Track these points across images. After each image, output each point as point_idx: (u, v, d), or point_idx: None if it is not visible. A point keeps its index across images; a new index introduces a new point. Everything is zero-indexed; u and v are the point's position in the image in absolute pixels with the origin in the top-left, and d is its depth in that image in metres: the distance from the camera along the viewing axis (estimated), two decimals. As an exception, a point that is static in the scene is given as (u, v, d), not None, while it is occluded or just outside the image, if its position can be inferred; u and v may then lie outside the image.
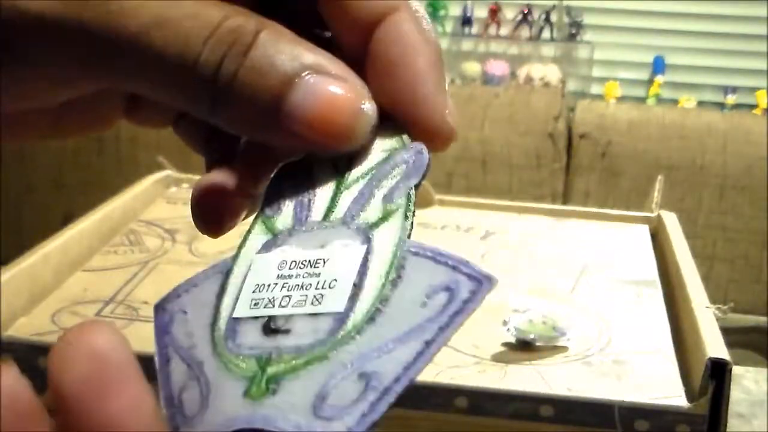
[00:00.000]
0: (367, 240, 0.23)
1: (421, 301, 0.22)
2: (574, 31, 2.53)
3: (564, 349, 0.47)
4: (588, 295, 0.55)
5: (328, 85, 0.23)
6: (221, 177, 0.27)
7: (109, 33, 0.23)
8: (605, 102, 2.35)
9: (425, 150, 0.25)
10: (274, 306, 0.23)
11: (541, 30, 2.54)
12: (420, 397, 0.44)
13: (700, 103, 2.50)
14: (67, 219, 0.60)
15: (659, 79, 2.51)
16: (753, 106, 2.44)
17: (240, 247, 0.25)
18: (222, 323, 0.23)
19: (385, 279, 0.22)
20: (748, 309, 1.83)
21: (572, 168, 2.08)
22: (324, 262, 0.23)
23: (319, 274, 0.23)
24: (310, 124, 0.23)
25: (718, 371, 0.42)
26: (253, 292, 0.23)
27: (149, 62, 0.23)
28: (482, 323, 0.50)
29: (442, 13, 2.55)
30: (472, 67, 2.51)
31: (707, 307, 0.49)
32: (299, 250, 0.24)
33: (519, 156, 2.07)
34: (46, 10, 0.23)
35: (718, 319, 0.47)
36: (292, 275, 0.23)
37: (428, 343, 0.22)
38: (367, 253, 0.23)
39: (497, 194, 1.96)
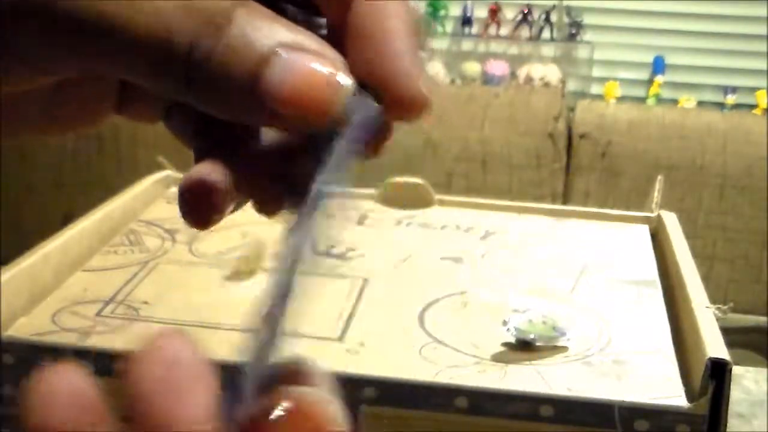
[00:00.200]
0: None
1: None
2: (574, 31, 2.53)
3: (564, 349, 0.47)
4: (588, 295, 0.55)
5: (303, 61, 0.23)
6: (208, 170, 0.27)
7: (81, 15, 0.23)
8: (605, 102, 2.35)
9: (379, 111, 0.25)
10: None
11: (541, 30, 2.54)
12: (420, 397, 0.44)
13: (700, 103, 2.50)
14: (67, 219, 0.60)
15: (659, 79, 2.51)
16: (753, 106, 2.44)
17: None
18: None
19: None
20: (748, 309, 1.83)
21: (572, 168, 2.08)
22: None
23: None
24: (287, 100, 0.23)
25: (718, 371, 0.42)
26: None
27: (123, 43, 0.23)
28: (482, 323, 0.50)
29: (442, 13, 2.55)
30: (472, 67, 2.51)
31: (707, 307, 0.49)
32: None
33: (519, 156, 2.07)
34: None
35: (718, 319, 0.47)
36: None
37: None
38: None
39: (497, 194, 1.96)
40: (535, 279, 0.57)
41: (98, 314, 0.50)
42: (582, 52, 2.57)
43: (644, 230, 0.67)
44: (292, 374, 0.21)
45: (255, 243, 0.55)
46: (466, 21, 2.56)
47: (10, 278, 0.49)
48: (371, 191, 0.68)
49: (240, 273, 0.55)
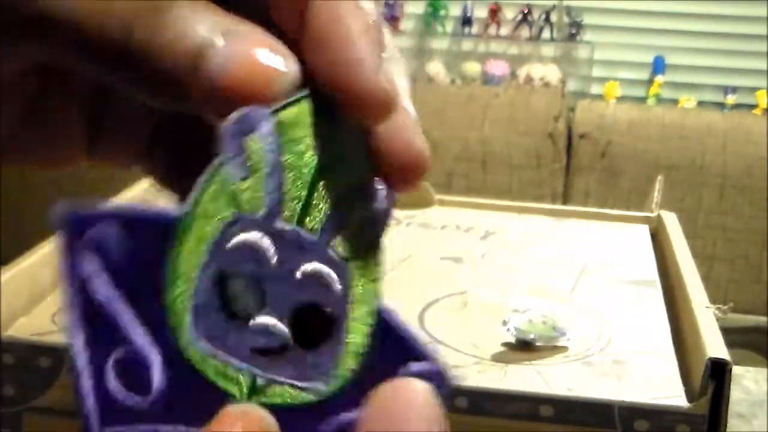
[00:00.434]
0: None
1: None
2: (574, 31, 2.53)
3: (564, 349, 0.47)
4: (588, 295, 0.55)
5: (244, 48, 0.23)
6: None
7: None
8: (605, 102, 2.35)
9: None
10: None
11: (541, 30, 2.54)
12: (420, 397, 0.44)
13: (700, 103, 2.50)
14: (67, 219, 0.59)
15: (659, 79, 2.51)
16: (753, 106, 2.45)
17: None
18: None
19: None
20: (748, 309, 1.83)
21: (572, 168, 2.08)
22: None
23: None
24: (227, 87, 0.22)
25: (718, 371, 0.42)
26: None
27: (58, 24, 0.22)
28: (482, 323, 0.50)
29: (442, 13, 2.55)
30: (472, 67, 2.52)
31: (707, 307, 0.49)
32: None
33: (519, 156, 2.07)
34: None
35: (718, 319, 0.47)
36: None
37: None
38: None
39: (497, 194, 1.96)
40: (535, 279, 0.57)
41: (98, 314, 0.50)
42: (582, 52, 2.57)
43: (644, 230, 0.67)
44: None
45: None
46: (466, 21, 2.56)
47: (10, 278, 0.49)
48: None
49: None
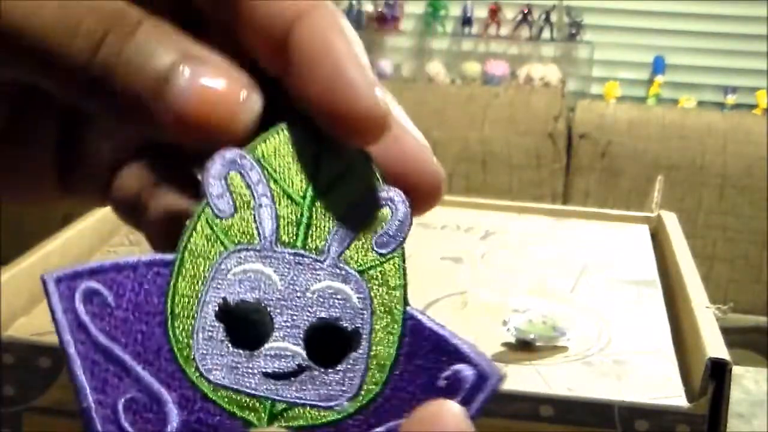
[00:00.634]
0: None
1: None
2: (574, 31, 2.53)
3: (564, 349, 0.47)
4: (588, 295, 0.55)
5: (205, 77, 0.23)
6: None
7: None
8: (605, 102, 2.35)
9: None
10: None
11: (541, 30, 2.54)
12: (420, 397, 0.44)
13: (700, 103, 2.50)
14: (67, 219, 0.60)
15: (659, 79, 2.51)
16: (753, 106, 2.45)
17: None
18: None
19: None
20: (748, 309, 1.83)
21: (572, 168, 2.08)
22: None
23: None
24: (188, 116, 0.22)
25: (718, 371, 0.42)
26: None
27: (23, 40, 0.22)
28: (482, 323, 0.50)
29: (442, 13, 2.55)
30: (472, 67, 2.52)
31: (707, 307, 0.49)
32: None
33: (519, 156, 2.07)
34: None
35: (718, 319, 0.47)
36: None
37: None
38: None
39: (497, 194, 1.96)
40: (535, 279, 0.57)
41: (98, 314, 0.50)
42: (582, 52, 2.57)
43: (644, 230, 0.67)
44: None
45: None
46: (466, 21, 2.56)
47: (10, 278, 0.49)
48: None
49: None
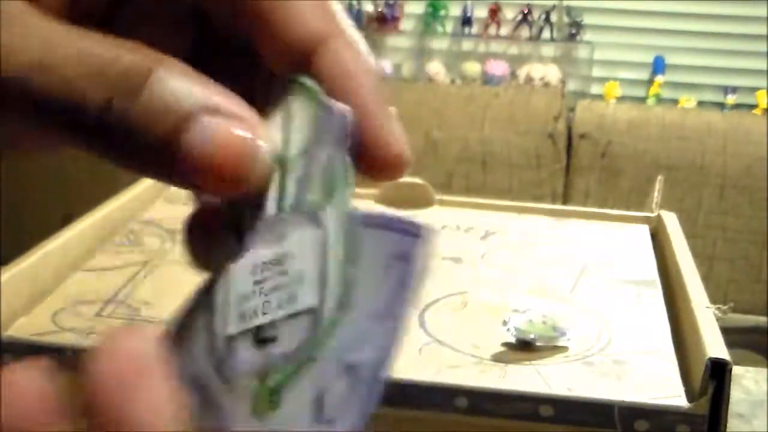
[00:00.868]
0: (318, 222, 0.23)
1: (381, 277, 0.21)
2: (574, 31, 2.53)
3: (564, 349, 0.47)
4: (588, 295, 0.55)
5: (223, 128, 0.22)
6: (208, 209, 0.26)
7: None
8: (605, 102, 2.35)
9: (340, 107, 0.23)
10: (258, 315, 0.22)
11: (541, 30, 2.54)
12: (420, 397, 0.44)
13: (700, 103, 2.50)
14: (67, 219, 0.60)
15: (659, 79, 2.51)
16: (753, 106, 2.44)
17: (217, 270, 0.24)
18: (219, 343, 0.23)
19: (344, 260, 0.22)
20: (748, 309, 1.83)
21: (572, 168, 2.08)
22: (288, 257, 0.23)
23: (287, 271, 0.22)
24: (205, 168, 0.22)
25: (718, 371, 0.42)
26: (238, 305, 0.23)
27: (31, 105, 0.22)
28: (482, 323, 0.50)
29: (442, 13, 2.55)
30: (472, 67, 2.52)
31: (707, 307, 0.49)
32: (265, 249, 0.23)
33: (519, 156, 2.07)
34: None
35: (718, 319, 0.47)
36: (266, 278, 0.23)
37: (400, 317, 0.21)
38: (324, 237, 0.22)
39: (497, 194, 1.96)
40: (535, 279, 0.57)
41: (98, 314, 0.50)
42: (582, 52, 2.57)
43: (644, 230, 0.67)
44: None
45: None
46: (466, 21, 2.56)
47: (10, 278, 0.49)
48: (371, 191, 0.68)
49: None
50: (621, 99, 2.46)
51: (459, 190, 1.96)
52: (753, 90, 2.45)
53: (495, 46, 2.57)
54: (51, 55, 0.22)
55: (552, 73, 2.47)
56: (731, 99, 2.48)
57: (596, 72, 2.57)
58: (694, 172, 2.01)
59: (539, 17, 2.53)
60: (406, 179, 0.69)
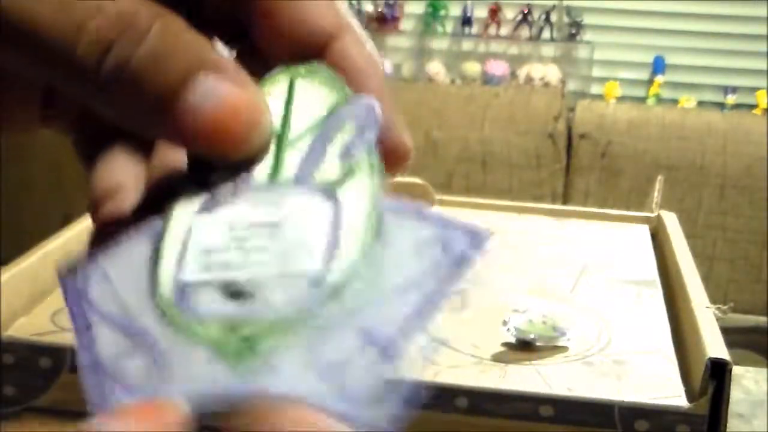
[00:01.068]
0: (332, 197, 0.22)
1: (412, 254, 0.21)
2: (574, 31, 2.53)
3: (564, 349, 0.47)
4: (588, 295, 0.55)
5: (228, 89, 0.21)
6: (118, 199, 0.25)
7: None
8: (605, 102, 2.35)
9: (374, 102, 0.23)
10: (231, 269, 0.21)
11: (541, 30, 2.54)
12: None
13: (700, 103, 2.50)
14: (67, 219, 0.60)
15: (659, 79, 2.51)
16: (753, 106, 2.44)
17: (170, 207, 0.23)
18: (165, 289, 0.22)
19: (366, 235, 0.21)
20: (748, 309, 1.83)
21: (572, 168, 2.08)
22: (284, 222, 0.22)
23: (283, 236, 0.22)
24: (206, 127, 0.21)
25: (718, 371, 0.42)
26: (202, 254, 0.22)
27: (23, 37, 0.20)
28: (482, 323, 0.50)
29: (442, 13, 2.55)
30: (472, 67, 2.52)
31: (707, 307, 0.49)
32: (250, 210, 0.22)
33: (519, 156, 2.07)
34: None
35: (718, 319, 0.47)
36: (248, 237, 0.22)
37: (428, 296, 0.20)
38: (337, 210, 0.22)
39: (497, 194, 1.96)
40: (535, 279, 0.57)
41: (98, 314, 0.50)
42: (582, 52, 2.57)
43: (644, 230, 0.67)
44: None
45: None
46: (466, 21, 2.56)
47: (10, 278, 0.49)
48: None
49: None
50: (621, 99, 2.46)
51: (459, 190, 1.96)
52: (753, 90, 2.45)
53: (495, 46, 2.57)
54: None
55: (552, 73, 2.47)
56: (731, 99, 2.48)
57: (596, 72, 2.57)
58: (694, 172, 2.01)
59: (539, 17, 2.53)
60: (406, 179, 0.69)
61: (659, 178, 0.72)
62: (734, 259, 2.01)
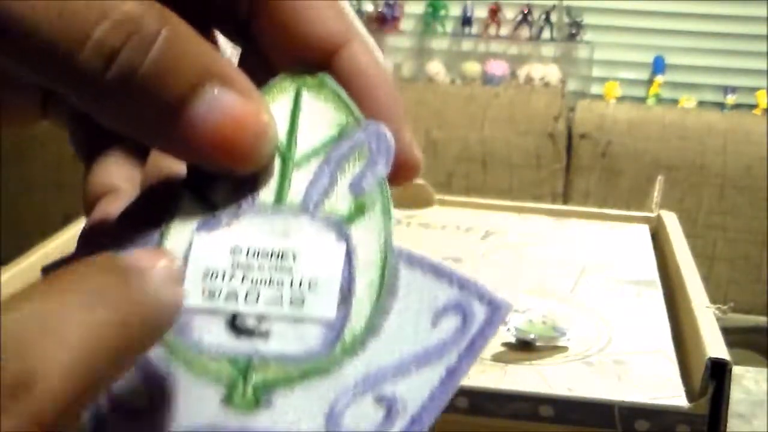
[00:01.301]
0: (344, 237, 0.21)
1: (430, 319, 0.20)
2: (574, 31, 2.53)
3: (564, 349, 0.47)
4: (588, 295, 0.55)
5: (234, 100, 0.21)
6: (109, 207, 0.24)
7: None
8: (605, 102, 2.35)
9: (387, 132, 0.22)
10: (238, 300, 0.21)
11: (541, 30, 2.54)
12: (420, 397, 0.44)
13: (700, 103, 2.50)
14: (67, 219, 0.60)
15: (659, 79, 2.51)
16: (753, 106, 2.44)
17: (168, 219, 0.22)
18: None
19: (380, 288, 0.21)
20: (748, 309, 1.83)
21: (572, 168, 2.08)
22: (294, 256, 0.21)
23: (291, 269, 0.21)
24: (212, 139, 0.21)
25: (718, 371, 0.42)
26: (203, 278, 0.21)
27: (22, 42, 0.19)
28: (482, 323, 0.50)
29: (442, 13, 2.55)
30: (472, 67, 2.51)
31: (707, 307, 0.49)
32: (255, 234, 0.21)
33: (519, 156, 2.07)
34: None
35: (718, 319, 0.47)
36: (254, 266, 0.21)
37: (451, 371, 0.20)
38: (349, 251, 0.21)
39: (497, 194, 1.96)
40: (535, 279, 0.57)
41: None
42: (582, 52, 2.57)
43: (644, 230, 0.67)
44: None
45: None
46: (466, 21, 2.56)
47: (10, 278, 0.49)
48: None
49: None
50: (621, 99, 2.46)
51: (459, 190, 1.96)
52: (753, 90, 2.45)
53: (495, 46, 2.57)
54: None
55: (552, 73, 2.47)
56: (731, 99, 2.48)
57: (596, 72, 2.57)
58: (694, 172, 2.01)
59: (539, 17, 2.53)
60: (406, 179, 0.69)
61: (659, 178, 0.72)
62: (734, 259, 2.01)
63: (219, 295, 0.21)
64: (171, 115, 0.20)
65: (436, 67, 2.53)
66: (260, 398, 0.20)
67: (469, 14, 2.55)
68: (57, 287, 0.17)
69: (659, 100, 2.50)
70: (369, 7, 2.54)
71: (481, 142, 2.08)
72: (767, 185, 1.95)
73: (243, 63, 0.25)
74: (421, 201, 0.69)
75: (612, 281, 0.57)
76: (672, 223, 0.65)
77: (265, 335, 0.21)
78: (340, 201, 0.22)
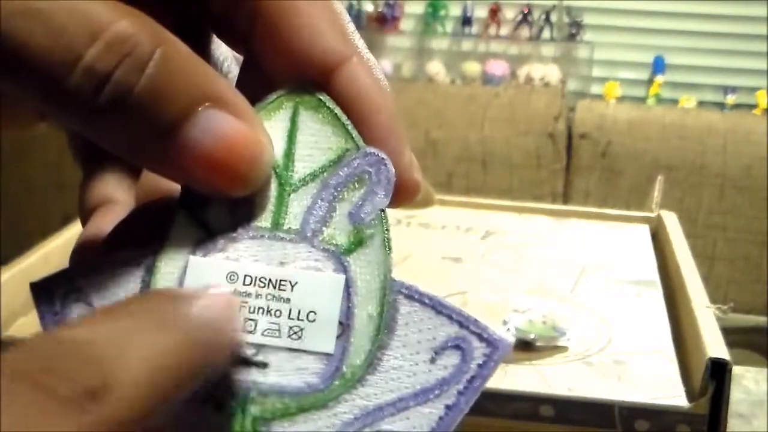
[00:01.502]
0: (343, 268, 0.21)
1: (429, 357, 0.20)
2: (574, 31, 2.53)
3: (564, 349, 0.47)
4: (588, 295, 0.55)
5: (229, 123, 0.20)
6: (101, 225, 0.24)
7: None
8: (605, 102, 2.35)
9: (388, 161, 0.22)
10: None
11: (541, 30, 2.54)
12: (420, 397, 0.44)
13: (700, 103, 2.50)
14: (67, 219, 0.60)
15: (659, 79, 2.51)
16: (753, 106, 2.44)
17: (163, 241, 0.22)
18: None
19: (379, 323, 0.21)
20: (748, 309, 1.83)
21: (572, 168, 2.08)
22: (291, 286, 0.21)
23: (289, 300, 0.21)
24: (206, 163, 0.20)
25: (718, 371, 0.42)
26: None
27: (13, 62, 0.19)
28: (482, 323, 0.50)
29: (442, 13, 2.55)
30: (472, 67, 2.51)
31: (707, 307, 0.49)
32: (251, 260, 0.21)
33: (519, 156, 2.07)
34: None
35: (718, 319, 0.47)
36: (251, 294, 0.21)
37: (449, 409, 0.20)
38: (348, 284, 0.21)
39: (497, 194, 1.96)
40: (535, 279, 0.57)
41: (98, 314, 0.50)
42: (582, 52, 2.57)
43: (644, 230, 0.67)
44: None
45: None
46: (466, 21, 2.56)
47: (10, 278, 0.49)
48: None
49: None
50: (621, 99, 2.46)
51: (459, 190, 1.96)
52: (753, 90, 2.45)
53: (495, 46, 2.57)
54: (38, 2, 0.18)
55: (552, 73, 2.47)
56: (731, 99, 2.48)
57: (596, 72, 2.57)
58: (694, 172, 2.01)
59: (539, 17, 2.53)
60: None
61: (659, 178, 0.72)
62: (734, 259, 2.01)
63: None
64: (164, 138, 0.20)
65: (436, 67, 2.53)
66: (260, 430, 0.20)
67: (469, 14, 2.55)
68: (126, 311, 0.19)
69: (659, 100, 2.50)
70: (369, 7, 2.54)
71: (481, 142, 2.08)
72: (767, 185, 1.95)
73: (245, 71, 0.25)
74: (421, 201, 0.69)
75: (612, 281, 0.57)
76: (672, 223, 0.65)
77: (262, 366, 0.21)
78: (338, 230, 0.22)
